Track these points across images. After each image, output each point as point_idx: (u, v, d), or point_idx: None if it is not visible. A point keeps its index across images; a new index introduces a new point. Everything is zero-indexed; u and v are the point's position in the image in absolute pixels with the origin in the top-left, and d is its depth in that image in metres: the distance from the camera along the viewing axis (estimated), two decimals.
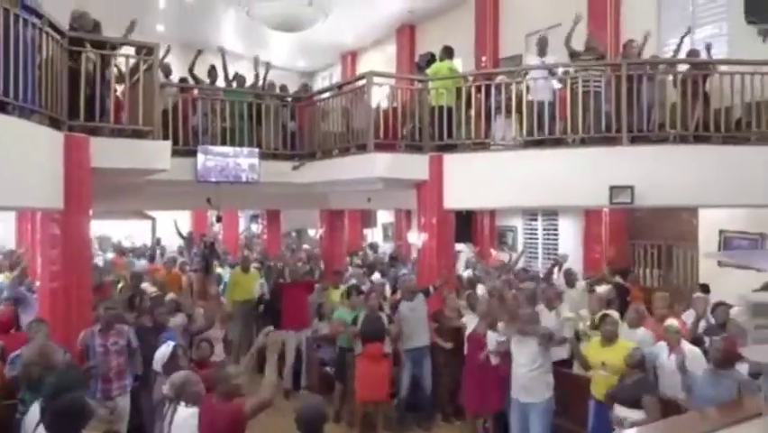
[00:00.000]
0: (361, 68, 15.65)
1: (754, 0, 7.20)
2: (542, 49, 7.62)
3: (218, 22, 14.09)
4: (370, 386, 6.32)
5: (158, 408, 4.60)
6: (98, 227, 13.83)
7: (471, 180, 7.43)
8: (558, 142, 7.10)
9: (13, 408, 4.71)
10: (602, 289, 7.02)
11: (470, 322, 6.20)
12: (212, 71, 9.02)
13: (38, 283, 6.41)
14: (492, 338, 5.71)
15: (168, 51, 8.05)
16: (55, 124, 5.56)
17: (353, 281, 8.58)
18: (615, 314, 5.43)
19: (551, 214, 10.86)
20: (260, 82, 9.16)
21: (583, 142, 7.00)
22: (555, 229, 10.85)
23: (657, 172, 6.46)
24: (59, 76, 5.55)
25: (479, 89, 7.53)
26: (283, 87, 9.76)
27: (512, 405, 5.31)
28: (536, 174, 6.94)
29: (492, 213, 11.85)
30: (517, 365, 5.20)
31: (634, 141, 6.72)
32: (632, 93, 6.67)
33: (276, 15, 10.83)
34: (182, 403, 3.69)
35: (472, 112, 7.48)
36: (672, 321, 5.28)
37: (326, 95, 9.12)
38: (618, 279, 7.72)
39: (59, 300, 5.76)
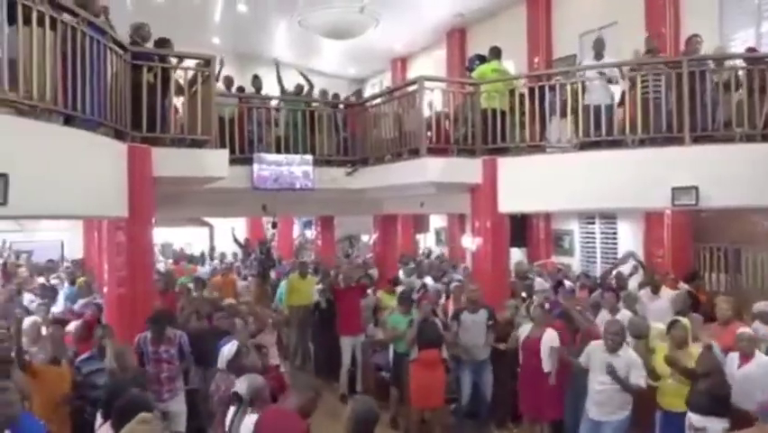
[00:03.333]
0: (412, 73, 15.66)
1: None
2: (598, 51, 7.41)
3: (271, 32, 14.40)
4: (425, 393, 6.29)
5: (218, 405, 4.69)
6: (160, 235, 14.30)
7: (526, 183, 7.32)
8: (616, 144, 6.91)
9: (82, 408, 4.94)
10: (667, 294, 6.76)
11: (526, 329, 6.08)
12: (255, 80, 9.19)
13: (105, 289, 6.66)
14: (546, 345, 5.61)
15: (222, 64, 8.28)
16: (119, 135, 5.78)
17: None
18: (684, 319, 5.22)
19: (609, 217, 10.56)
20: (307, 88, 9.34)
21: (643, 143, 6.78)
22: (614, 233, 10.54)
23: (723, 172, 6.17)
24: (122, 89, 5.77)
25: (532, 91, 7.41)
26: (335, 95, 9.88)
27: (583, 419, 5.09)
28: (594, 176, 6.76)
29: (548, 216, 11.63)
30: (595, 381, 4.94)
31: (697, 140, 6.46)
32: (694, 91, 6.42)
33: (327, 23, 10.99)
34: (249, 409, 3.72)
35: (526, 114, 7.37)
36: (743, 329, 5.02)
37: (378, 100, 9.16)
38: (683, 284, 7.40)
39: (125, 305, 5.98)
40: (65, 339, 5.71)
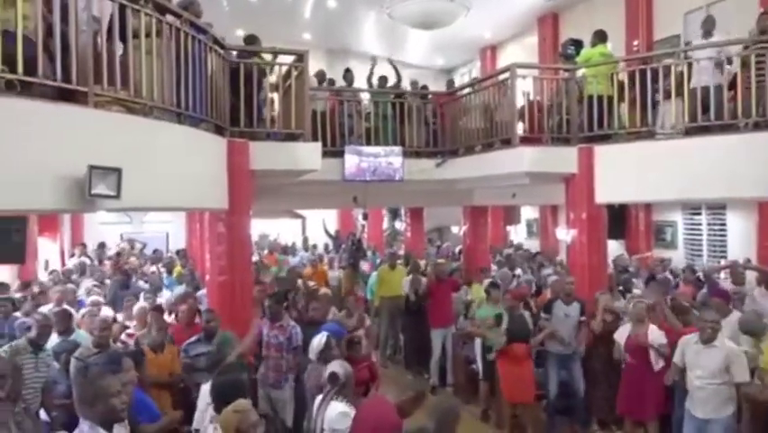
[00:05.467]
0: (502, 62, 15.33)
1: None
2: (707, 30, 6.90)
3: (360, 25, 14.54)
4: (515, 387, 6.18)
5: (309, 395, 4.79)
6: (257, 226, 14.84)
7: (625, 172, 6.94)
8: (726, 128, 6.41)
9: (188, 390, 5.21)
10: None
11: (627, 327, 5.78)
12: (347, 74, 9.29)
13: (207, 278, 7.00)
14: (653, 343, 5.31)
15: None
16: (219, 130, 6.02)
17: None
18: None
19: (717, 207, 9.89)
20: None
21: (757, 127, 6.26)
22: (723, 224, 9.86)
23: None
24: (222, 87, 6.01)
25: (633, 75, 7.00)
26: (425, 87, 9.84)
27: (686, 418, 4.78)
28: (701, 163, 6.29)
29: (648, 207, 11.05)
30: (695, 377, 4.67)
31: None
32: None
33: (417, 13, 10.93)
34: (336, 397, 3.77)
35: (626, 99, 7.00)
36: None
37: (468, 90, 9.02)
38: None
39: (225, 292, 6.25)
40: (168, 326, 6.06)
